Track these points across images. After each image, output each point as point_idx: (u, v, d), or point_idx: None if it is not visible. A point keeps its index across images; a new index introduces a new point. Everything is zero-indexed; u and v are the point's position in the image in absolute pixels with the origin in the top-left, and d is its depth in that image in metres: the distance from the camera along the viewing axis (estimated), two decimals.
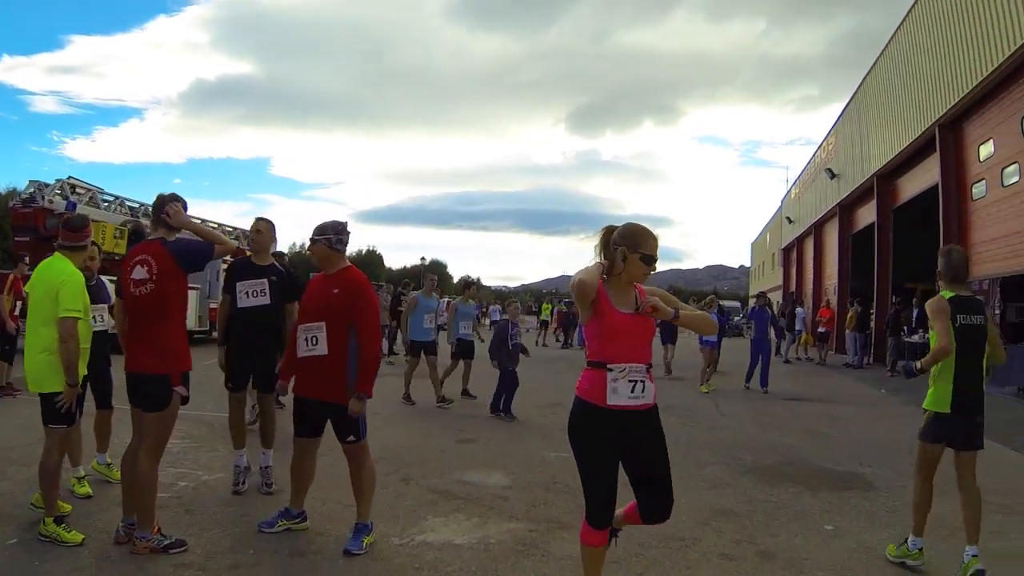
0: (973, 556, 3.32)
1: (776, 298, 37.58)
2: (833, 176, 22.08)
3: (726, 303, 48.40)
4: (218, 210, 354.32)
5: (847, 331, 17.50)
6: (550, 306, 24.36)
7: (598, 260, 2.82)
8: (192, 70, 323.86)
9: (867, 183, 18.74)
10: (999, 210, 11.78)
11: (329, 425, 3.67)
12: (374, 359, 3.62)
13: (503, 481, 5.10)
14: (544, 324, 23.67)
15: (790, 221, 31.23)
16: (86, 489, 4.20)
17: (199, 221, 6.14)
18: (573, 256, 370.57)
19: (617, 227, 2.82)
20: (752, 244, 53.08)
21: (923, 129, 14.38)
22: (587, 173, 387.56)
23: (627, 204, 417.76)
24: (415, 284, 13.55)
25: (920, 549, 3.54)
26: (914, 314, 16.35)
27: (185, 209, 3.71)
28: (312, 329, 3.61)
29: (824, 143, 24.50)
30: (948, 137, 13.68)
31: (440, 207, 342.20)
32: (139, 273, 3.51)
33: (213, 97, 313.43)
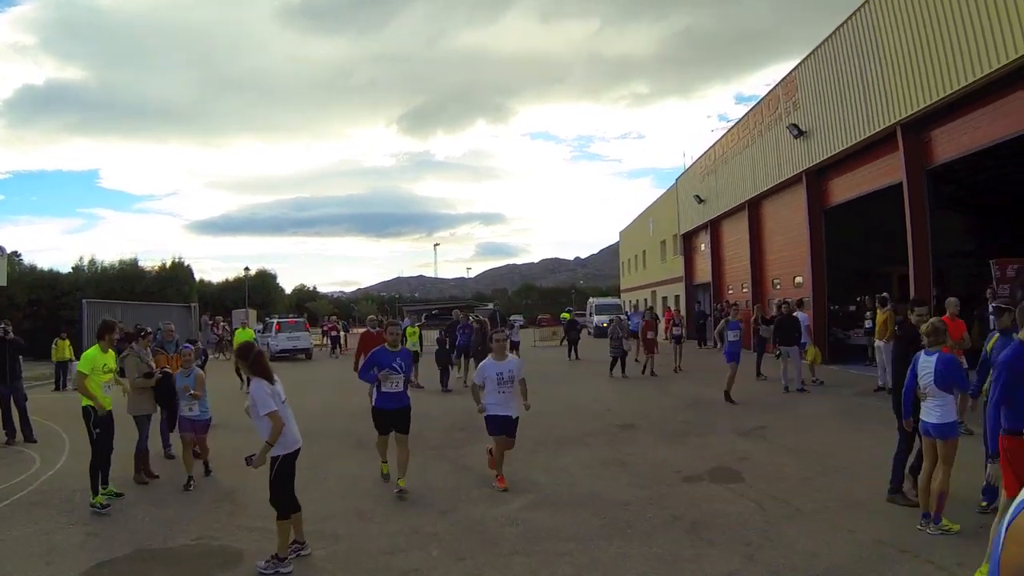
0: None
1: (674, 291, 33.29)
2: (800, 134, 17.16)
3: (599, 301, 43.94)
4: (47, 227, 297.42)
5: (879, 341, 12.31)
6: (416, 330, 15.79)
7: None
8: (19, 75, 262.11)
9: (882, 133, 13.74)
10: None
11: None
12: None
13: None
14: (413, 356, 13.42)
15: (700, 200, 26.59)
16: None
17: None
18: (408, 258, 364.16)
19: None
20: (621, 233, 49.20)
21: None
22: (419, 174, 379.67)
23: (460, 203, 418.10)
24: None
25: None
26: None
27: None
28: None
29: (770, 95, 19.64)
30: None
31: (274, 214, 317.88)
32: None
33: (42, 105, 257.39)
